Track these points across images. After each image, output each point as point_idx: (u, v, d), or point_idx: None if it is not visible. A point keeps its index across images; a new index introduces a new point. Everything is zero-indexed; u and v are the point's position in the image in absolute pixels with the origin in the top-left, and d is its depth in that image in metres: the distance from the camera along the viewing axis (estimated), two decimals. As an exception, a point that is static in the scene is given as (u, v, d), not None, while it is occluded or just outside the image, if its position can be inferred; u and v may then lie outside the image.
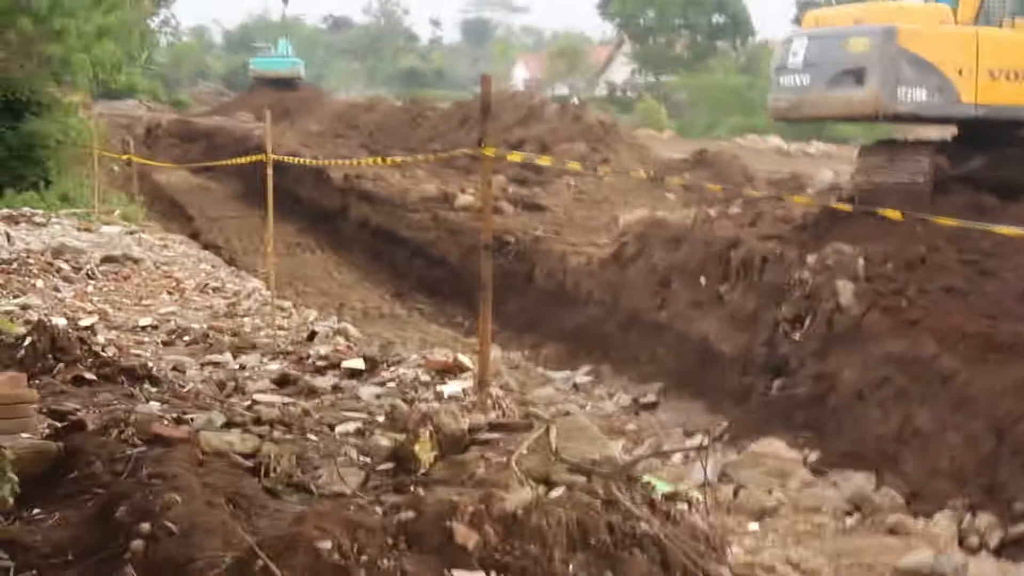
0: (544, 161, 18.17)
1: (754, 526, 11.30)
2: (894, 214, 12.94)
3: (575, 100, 46.28)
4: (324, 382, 11.11)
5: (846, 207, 16.31)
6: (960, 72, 17.65)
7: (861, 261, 15.53)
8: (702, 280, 17.85)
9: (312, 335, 13.96)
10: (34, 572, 5.87)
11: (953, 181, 18.79)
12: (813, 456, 13.72)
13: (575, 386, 18.59)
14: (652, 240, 19.40)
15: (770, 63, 20.06)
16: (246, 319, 15.84)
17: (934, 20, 18.12)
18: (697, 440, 14.51)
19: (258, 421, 8.52)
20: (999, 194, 18.35)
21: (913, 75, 17.48)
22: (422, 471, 7.37)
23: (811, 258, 16.07)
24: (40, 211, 26.28)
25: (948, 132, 19.99)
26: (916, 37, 17.57)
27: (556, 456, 7.16)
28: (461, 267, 24.09)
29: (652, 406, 17.63)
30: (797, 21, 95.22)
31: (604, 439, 8.30)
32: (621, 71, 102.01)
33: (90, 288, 17.87)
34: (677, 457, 12.98)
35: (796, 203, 18.48)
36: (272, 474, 7.35)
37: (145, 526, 5.80)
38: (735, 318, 16.88)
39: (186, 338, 14.13)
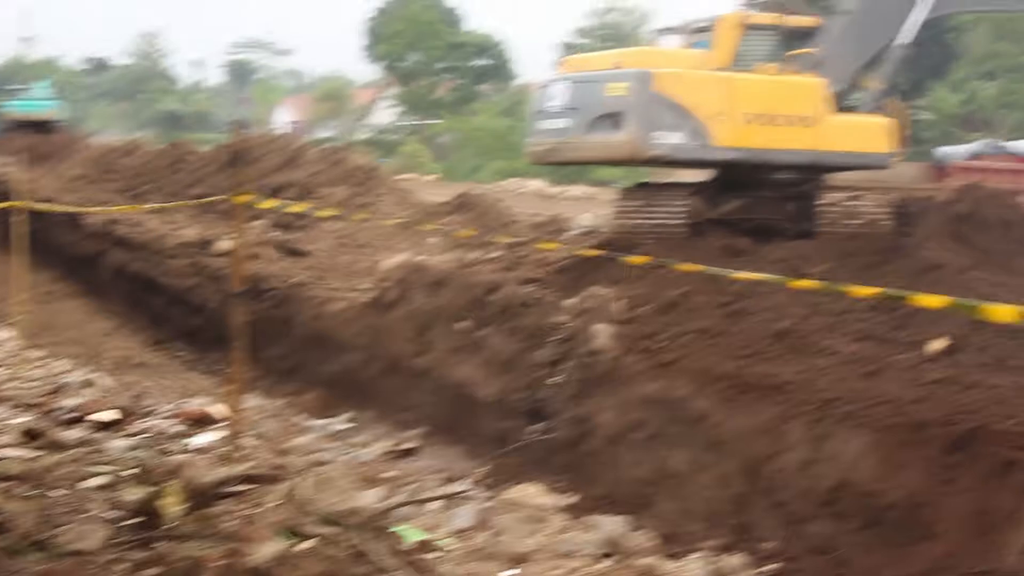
0: (296, 208, 18.04)
1: (507, 573, 11.28)
2: (639, 260, 13.14)
3: (330, 144, 46.04)
4: (73, 435, 10.80)
5: (592, 252, 16.50)
6: (715, 116, 18.01)
7: (618, 304, 15.71)
8: (462, 325, 17.85)
9: (62, 387, 13.58)
10: None
11: (709, 223, 19.19)
12: (571, 500, 13.78)
13: (335, 433, 18.40)
14: (413, 285, 19.36)
15: (529, 107, 20.23)
16: (-6, 370, 15.35)
17: (689, 65, 18.49)
18: (456, 486, 14.47)
19: (-1, 477, 8.24)
20: (753, 236, 18.80)
21: (669, 119, 17.79)
22: (170, 525, 7.20)
23: (569, 302, 16.21)
24: None
25: (705, 175, 20.39)
26: (672, 81, 17.88)
27: (305, 508, 7.06)
28: (222, 314, 23.69)
29: (412, 452, 17.55)
30: (558, 65, 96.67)
31: (357, 489, 8.21)
32: (386, 114, 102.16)
33: None
34: (436, 504, 12.92)
35: (543, 248, 18.66)
36: (12, 533, 7.09)
37: None
38: (495, 362, 16.90)
39: (-71, 392, 13.63)
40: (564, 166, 21.93)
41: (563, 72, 19.87)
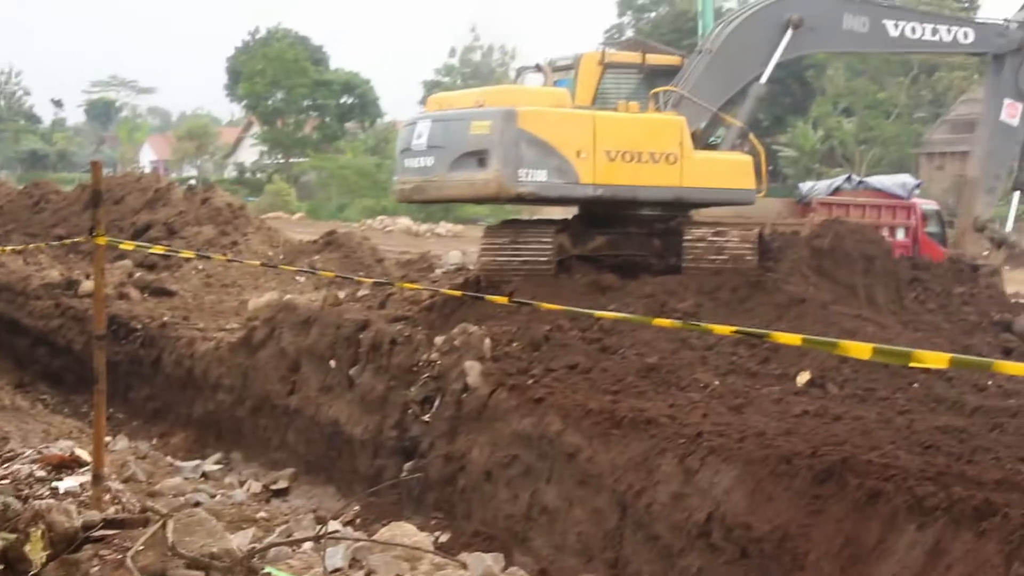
0: (157, 250, 17.83)
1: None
2: (500, 300, 13.16)
3: (193, 183, 45.70)
4: (-68, 482, 10.54)
5: (454, 292, 16.52)
6: (579, 154, 18.10)
7: (488, 341, 15.71)
8: (332, 363, 17.75)
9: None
10: None
11: (576, 260, 19.29)
12: (444, 538, 13.76)
13: (204, 475, 18.20)
14: (281, 324, 19.21)
15: (395, 145, 20.19)
16: None
17: (553, 103, 18.58)
18: (329, 526, 14.35)
19: None
20: (620, 272, 18.92)
21: (534, 157, 17.84)
22: (33, 572, 7.05)
23: (439, 339, 16.18)
24: None
25: (571, 212, 20.50)
26: (536, 119, 17.95)
27: (173, 551, 6.95)
28: (86, 355, 23.35)
29: (284, 492, 17.42)
30: (424, 103, 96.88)
31: (224, 532, 8.09)
32: (251, 153, 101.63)
33: None
34: (308, 545, 12.80)
35: (406, 287, 18.63)
36: None
37: None
38: (366, 401, 16.82)
39: None
40: (430, 204, 21.80)
41: (428, 110, 19.86)
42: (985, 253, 23.25)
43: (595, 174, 18.27)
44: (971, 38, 22.11)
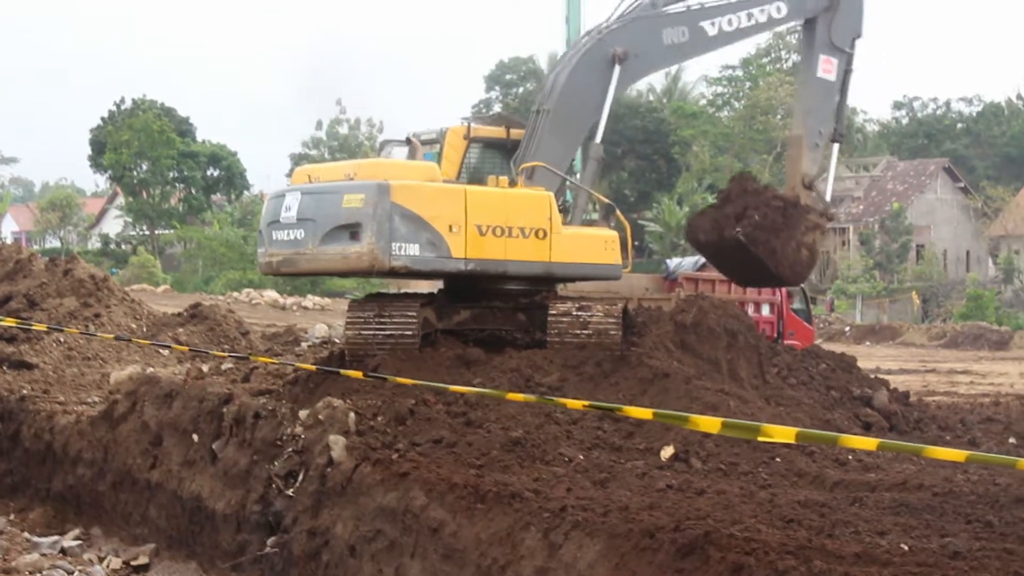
0: (8, 322, 17.57)
1: None
2: (355, 374, 13.14)
3: (58, 254, 45.08)
4: None
5: (309, 367, 16.45)
6: (451, 228, 18.18)
7: (352, 415, 15.67)
8: (195, 437, 17.58)
9: None
10: None
11: (441, 334, 19.32)
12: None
13: (63, 551, 17.90)
14: (144, 397, 19.00)
15: (260, 218, 20.03)
16: None
17: (421, 177, 18.62)
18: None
19: None
20: (485, 346, 18.98)
21: (406, 231, 17.87)
22: None
23: (303, 413, 16.11)
24: None
25: (437, 286, 20.53)
26: (408, 193, 17.98)
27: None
28: (-59, 429, 22.92)
29: (144, 568, 17.20)
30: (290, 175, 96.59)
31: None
32: (115, 224, 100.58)
33: None
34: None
35: (265, 361, 18.51)
36: None
37: None
38: (229, 475, 16.66)
39: None
40: (297, 277, 21.55)
41: (295, 182, 19.76)
42: (846, 330, 23.78)
43: (466, 248, 18.34)
44: (784, 11, 22.44)
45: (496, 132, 20.48)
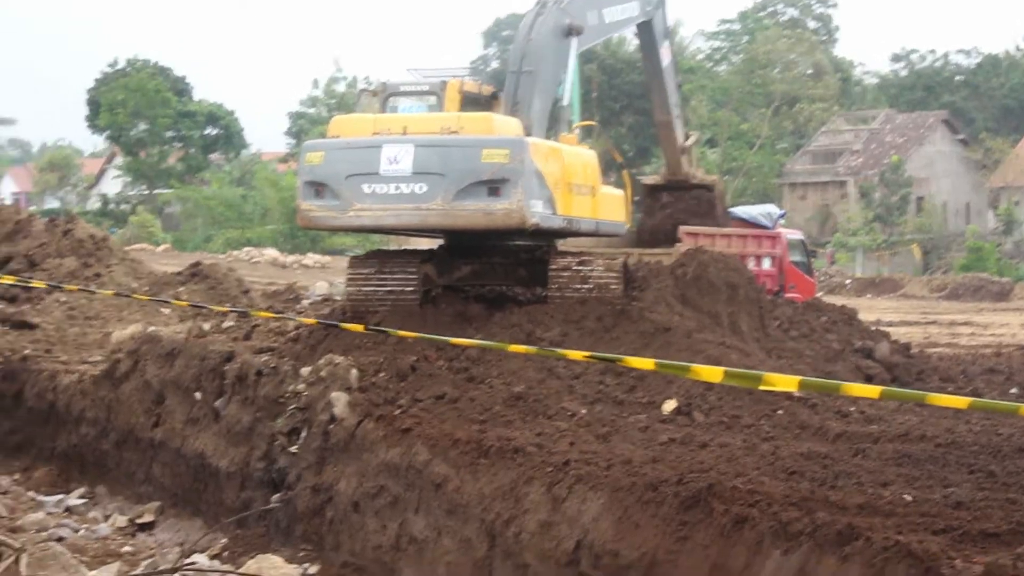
0: (7, 280, 17.53)
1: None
2: (357, 328, 13.05)
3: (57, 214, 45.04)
4: None
5: (310, 321, 16.30)
6: (556, 186, 18.32)
7: (354, 372, 15.67)
8: (197, 395, 17.60)
9: None
10: None
11: (442, 290, 19.28)
12: (313, 570, 13.69)
13: (68, 509, 17.97)
14: (146, 356, 19.01)
15: (315, 171, 18.63)
16: None
17: (513, 133, 18.21)
18: (195, 558, 14.24)
19: None
20: (485, 303, 18.95)
21: (538, 188, 17.70)
22: None
23: (305, 370, 16.10)
24: None
25: (437, 242, 20.43)
26: (539, 151, 17.92)
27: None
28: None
29: (150, 526, 17.25)
30: (297, 133, 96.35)
31: (80, 566, 8.00)
32: (114, 184, 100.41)
33: None
34: (174, 578, 12.70)
35: (269, 316, 18.41)
36: None
37: None
38: (232, 433, 16.69)
39: None
40: (411, 233, 20.80)
41: (332, 133, 18.90)
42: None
43: (564, 206, 18.42)
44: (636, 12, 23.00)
45: (484, 88, 20.14)
